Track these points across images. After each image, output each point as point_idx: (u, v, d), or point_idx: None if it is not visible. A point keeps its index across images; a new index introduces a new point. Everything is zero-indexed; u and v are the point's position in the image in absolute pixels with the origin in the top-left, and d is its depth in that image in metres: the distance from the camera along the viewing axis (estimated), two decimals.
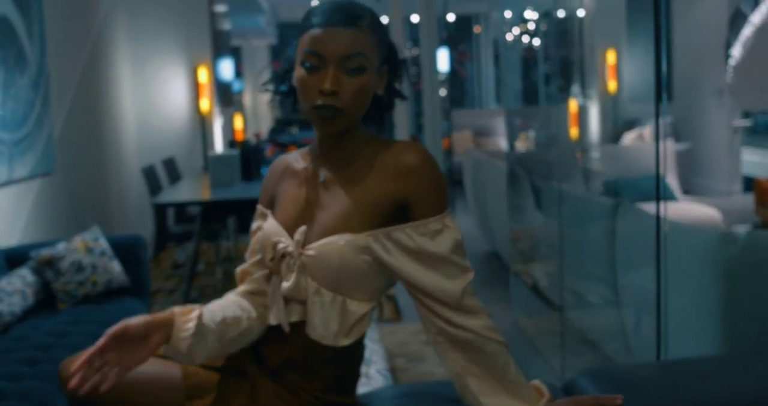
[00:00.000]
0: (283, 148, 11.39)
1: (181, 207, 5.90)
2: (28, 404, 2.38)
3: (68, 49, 5.52)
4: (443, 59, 9.31)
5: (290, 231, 1.46)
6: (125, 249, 3.73)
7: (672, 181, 6.29)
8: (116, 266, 3.61)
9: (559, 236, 4.36)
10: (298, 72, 1.42)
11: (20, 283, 3.33)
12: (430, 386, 1.73)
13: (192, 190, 5.69)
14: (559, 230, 4.31)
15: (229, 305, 1.54)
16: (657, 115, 2.12)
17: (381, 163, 1.44)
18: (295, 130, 13.49)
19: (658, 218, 2.11)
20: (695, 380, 1.52)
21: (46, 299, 3.49)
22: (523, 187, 5.30)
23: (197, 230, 4.98)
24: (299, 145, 11.25)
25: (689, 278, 2.45)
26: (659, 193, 2.15)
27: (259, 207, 1.60)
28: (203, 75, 7.92)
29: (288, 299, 1.45)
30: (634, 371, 1.71)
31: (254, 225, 1.59)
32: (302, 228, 1.44)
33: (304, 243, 1.43)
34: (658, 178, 2.17)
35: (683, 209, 5.72)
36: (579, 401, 1.40)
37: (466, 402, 1.45)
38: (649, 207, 3.33)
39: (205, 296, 5.26)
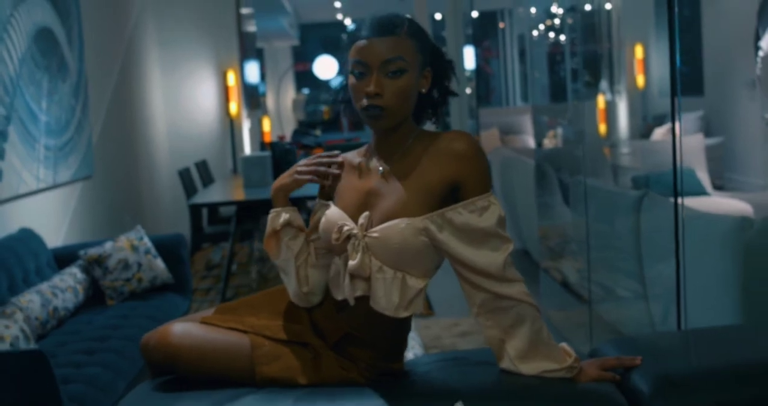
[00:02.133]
0: (308, 149, 11.52)
1: (214, 209, 6.06)
2: (92, 388, 2.54)
3: (104, 56, 5.68)
4: (469, 57, 9.40)
5: (353, 217, 1.64)
6: (168, 248, 3.88)
7: (703, 176, 6.33)
8: (160, 264, 3.76)
9: (586, 230, 4.44)
10: (350, 80, 1.64)
11: (71, 280, 3.49)
12: (466, 352, 1.92)
13: (225, 191, 5.85)
14: (586, 225, 4.39)
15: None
16: (673, 109, 2.21)
17: (433, 152, 1.63)
18: (318, 132, 13.61)
19: (675, 196, 2.23)
20: (713, 346, 1.69)
21: (95, 296, 3.66)
22: (551, 184, 5.39)
23: (233, 230, 5.12)
24: (324, 147, 11.37)
25: (709, 261, 2.56)
26: (676, 176, 2.26)
27: (319, 200, 1.77)
28: (231, 78, 8.06)
29: (353, 276, 1.62)
30: (655, 339, 1.91)
31: (313, 217, 1.77)
32: (366, 213, 1.63)
33: (367, 227, 1.61)
34: (675, 166, 2.28)
35: (715, 204, 5.76)
36: (602, 360, 1.64)
37: (503, 365, 1.65)
38: (687, 202, 3.40)
39: (241, 295, 5.40)
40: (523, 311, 1.60)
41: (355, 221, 1.64)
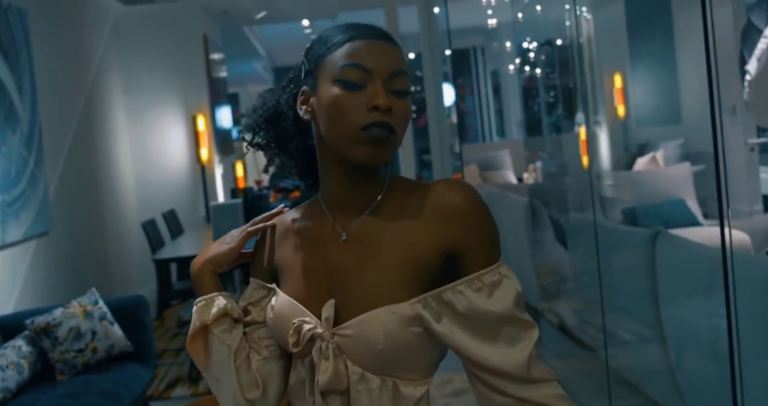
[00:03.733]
0: (287, 193, 11.20)
1: (184, 262, 5.67)
2: None
3: (61, 103, 5.34)
4: (449, 93, 9.15)
5: (311, 307, 1.18)
6: (127, 311, 3.50)
7: (693, 205, 6.05)
8: (117, 331, 3.38)
9: (598, 270, 4.13)
10: (330, 93, 1.16)
11: (14, 355, 3.10)
12: None
13: (194, 243, 5.47)
14: (598, 265, 4.08)
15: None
16: (715, 141, 1.89)
17: (419, 208, 1.18)
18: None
19: (723, 245, 1.86)
20: None
21: (43, 371, 3.26)
22: (541, 220, 5.07)
23: None
24: (301, 190, 11.05)
25: (755, 310, 2.19)
26: (723, 216, 1.91)
27: (254, 281, 1.30)
28: (201, 123, 7.74)
29: (324, 393, 1.17)
30: None
31: (242, 303, 1.31)
32: (330, 302, 1.16)
33: (336, 321, 1.16)
34: (720, 198, 1.94)
35: (709, 234, 5.46)
36: None
37: None
38: (680, 233, 3.10)
39: None
40: None
41: (316, 312, 1.17)
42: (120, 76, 6.93)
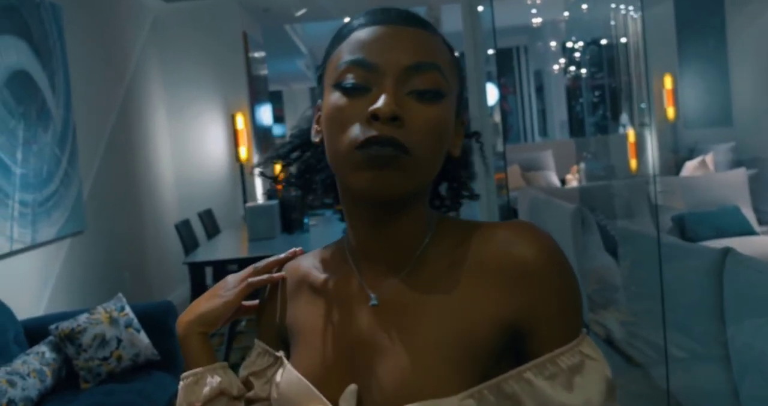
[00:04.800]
0: None
1: (218, 265, 5.55)
2: None
3: (97, 101, 5.25)
4: (492, 93, 8.96)
5: (327, 390, 0.87)
6: (154, 318, 3.37)
7: (748, 213, 5.78)
8: (143, 339, 3.24)
9: (634, 279, 3.92)
10: (329, 101, 0.85)
11: (37, 362, 2.98)
12: None
13: (230, 245, 5.34)
14: (636, 274, 3.88)
15: None
16: None
17: (476, 263, 0.85)
18: None
19: None
20: None
21: (67, 378, 3.14)
22: (588, 227, 4.86)
23: None
24: None
25: None
26: None
27: (259, 344, 1.00)
28: (240, 122, 7.63)
29: None
30: None
31: (244, 371, 1.00)
32: (351, 389, 0.85)
33: None
34: None
35: (766, 243, 5.20)
36: None
37: None
38: (729, 243, 2.89)
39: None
40: None
41: (332, 397, 0.86)
42: (159, 74, 6.84)
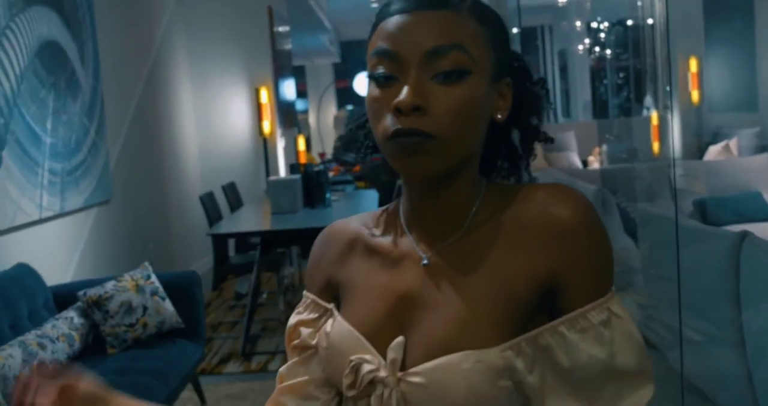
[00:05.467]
0: (350, 166, 11.14)
1: (240, 237, 5.63)
2: None
3: (124, 72, 5.30)
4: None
5: (376, 342, 0.93)
6: (179, 287, 3.43)
7: None
8: (168, 306, 3.32)
9: (653, 262, 3.95)
10: (368, 92, 0.92)
11: (66, 326, 3.06)
12: None
13: (252, 218, 5.41)
14: (655, 257, 3.90)
15: None
16: None
17: (515, 222, 0.92)
18: None
19: None
20: None
21: (94, 343, 3.22)
22: (609, 208, 4.88)
23: (257, 262, 4.67)
24: (364, 164, 10.97)
25: None
26: None
27: (309, 296, 1.04)
28: (264, 96, 7.68)
29: None
30: None
31: (295, 318, 1.05)
32: (399, 340, 0.91)
33: (403, 363, 0.91)
34: None
35: None
36: None
37: None
38: (749, 229, 2.91)
39: (267, 330, 4.95)
40: None
41: (380, 349, 0.92)
42: (185, 47, 6.89)
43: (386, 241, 0.99)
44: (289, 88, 9.39)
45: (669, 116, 8.44)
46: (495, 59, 0.92)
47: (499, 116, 0.95)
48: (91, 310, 3.19)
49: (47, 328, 2.98)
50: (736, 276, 2.62)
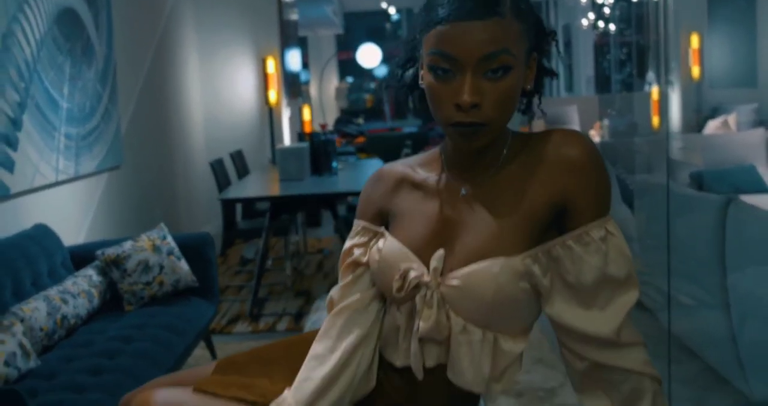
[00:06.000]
0: (351, 138, 11.24)
1: (248, 202, 5.76)
2: None
3: (136, 40, 5.41)
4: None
5: (420, 255, 1.19)
6: (193, 248, 3.57)
7: (764, 172, 5.91)
8: (184, 266, 3.46)
9: (648, 231, 4.08)
10: (427, 77, 1.15)
11: (86, 283, 3.20)
12: None
13: (260, 185, 5.54)
14: (650, 226, 4.03)
15: (330, 381, 1.24)
16: None
17: (534, 160, 1.17)
18: (360, 120, 13.33)
19: None
20: None
21: (112, 300, 3.36)
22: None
23: (266, 227, 4.81)
24: (366, 136, 11.08)
25: None
26: None
27: (361, 223, 1.31)
28: (271, 66, 7.77)
29: (423, 340, 1.19)
30: None
31: (348, 243, 1.31)
32: (440, 252, 1.17)
33: (443, 271, 1.17)
34: None
35: None
36: None
37: None
38: (749, 200, 3.04)
39: (274, 294, 5.10)
40: (640, 385, 1.15)
41: (424, 260, 1.18)
42: (193, 16, 6.97)
43: (430, 177, 1.24)
44: (294, 59, 9.47)
45: (668, 91, 8.54)
46: (529, 47, 1.15)
47: (529, 87, 1.19)
48: (109, 268, 3.34)
49: (68, 284, 3.12)
50: (722, 240, 2.76)
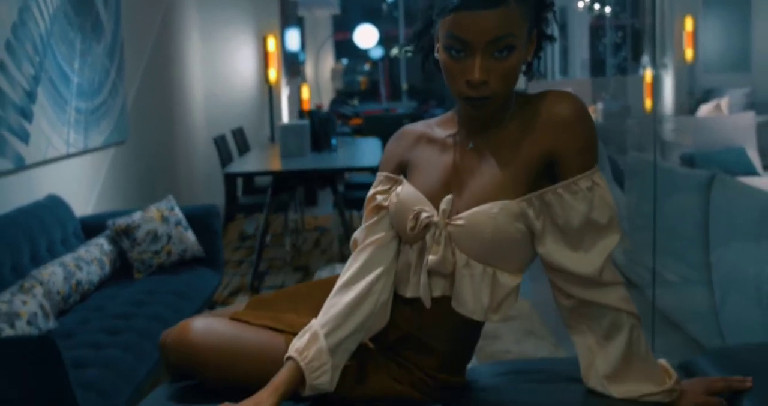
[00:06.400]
0: (346, 119, 11.35)
1: (249, 178, 5.90)
2: (110, 373, 2.37)
3: (141, 18, 5.51)
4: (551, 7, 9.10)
5: (432, 199, 1.37)
6: (199, 219, 3.72)
7: (753, 155, 6.06)
8: (191, 236, 3.60)
9: (637, 210, 4.23)
10: (442, 55, 1.32)
11: (97, 251, 3.34)
12: (540, 362, 1.66)
13: (262, 160, 5.67)
14: (639, 205, 4.18)
15: (353, 307, 1.41)
16: None
17: (531, 117, 1.34)
18: (355, 101, 13.44)
19: None
20: None
21: (122, 268, 3.51)
22: (601, 161, 5.16)
23: (268, 201, 4.95)
24: (361, 117, 11.20)
25: None
26: None
27: (383, 173, 1.49)
28: (272, 44, 7.87)
29: (431, 273, 1.36)
30: (755, 352, 1.60)
31: (372, 190, 1.49)
32: (449, 197, 1.35)
33: (450, 213, 1.34)
34: None
35: (765, 185, 5.49)
36: (707, 383, 1.36)
37: (589, 384, 1.38)
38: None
39: (273, 268, 5.25)
40: (619, 321, 1.33)
41: (435, 204, 1.36)
42: None
43: (444, 134, 1.42)
44: (293, 38, 9.57)
45: (662, 74, 8.68)
46: (530, 26, 1.32)
47: (530, 58, 1.36)
48: (119, 238, 3.47)
49: (81, 252, 3.26)
50: (706, 217, 2.90)
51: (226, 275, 5.11)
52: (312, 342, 1.37)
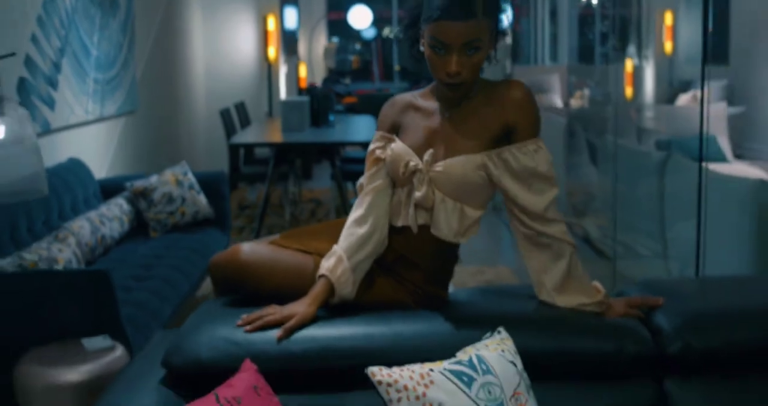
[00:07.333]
0: (339, 97, 11.62)
1: (249, 150, 6.23)
2: (142, 312, 2.72)
3: None
4: (507, 16, 9.37)
5: (418, 152, 1.81)
6: (210, 184, 4.06)
7: (724, 143, 6.43)
8: (202, 199, 3.94)
9: (610, 189, 4.58)
10: (427, 50, 1.75)
11: (117, 210, 3.67)
12: (506, 286, 2.05)
13: (263, 133, 6.01)
14: (611, 184, 4.54)
15: (366, 238, 1.82)
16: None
17: (493, 98, 1.79)
18: (348, 80, 13.69)
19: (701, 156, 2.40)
20: (728, 292, 1.90)
21: (139, 227, 3.84)
22: (578, 143, 5.51)
23: (270, 171, 5.29)
24: (354, 96, 11.47)
25: (729, 220, 2.73)
26: (702, 137, 2.43)
27: (380, 132, 1.92)
28: (271, 23, 8.14)
29: (416, 206, 1.79)
30: (677, 284, 2.10)
31: (372, 146, 1.92)
32: (430, 151, 1.79)
33: (431, 163, 1.78)
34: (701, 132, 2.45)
35: (733, 170, 5.87)
36: (628, 299, 1.82)
37: (541, 297, 1.83)
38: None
39: (274, 233, 5.58)
40: (561, 249, 1.77)
41: (420, 156, 1.79)
42: None
43: (427, 104, 1.87)
44: (291, 17, 9.82)
45: (643, 65, 9.01)
46: (494, 29, 1.77)
47: (492, 52, 1.79)
48: (137, 199, 3.81)
49: (103, 210, 3.59)
50: (662, 195, 3.26)
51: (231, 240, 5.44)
52: (338, 263, 1.78)
